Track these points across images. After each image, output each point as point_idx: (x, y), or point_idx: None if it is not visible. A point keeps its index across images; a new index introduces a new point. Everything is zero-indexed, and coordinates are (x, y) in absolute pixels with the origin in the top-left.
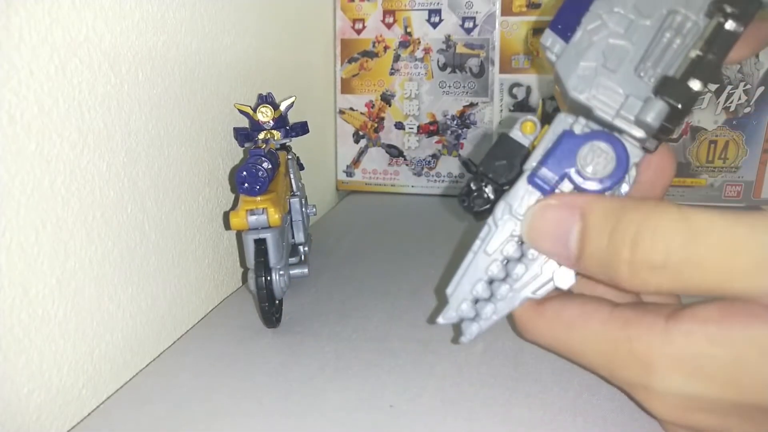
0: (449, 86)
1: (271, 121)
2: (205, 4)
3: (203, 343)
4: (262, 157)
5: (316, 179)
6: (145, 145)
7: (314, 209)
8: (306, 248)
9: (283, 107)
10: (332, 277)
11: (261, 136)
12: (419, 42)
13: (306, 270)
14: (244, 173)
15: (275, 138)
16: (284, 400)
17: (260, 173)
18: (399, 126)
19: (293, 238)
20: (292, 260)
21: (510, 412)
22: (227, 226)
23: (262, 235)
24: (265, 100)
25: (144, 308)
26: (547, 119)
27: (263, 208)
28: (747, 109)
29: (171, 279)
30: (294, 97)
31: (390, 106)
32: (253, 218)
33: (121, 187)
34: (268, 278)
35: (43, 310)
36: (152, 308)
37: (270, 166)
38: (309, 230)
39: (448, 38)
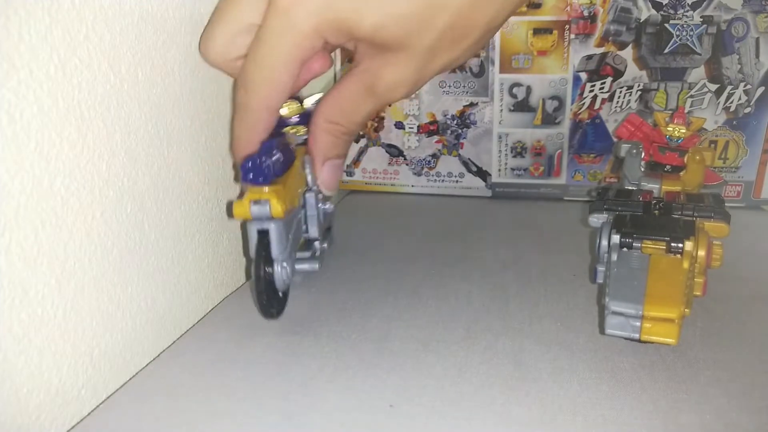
0: (449, 86)
1: (295, 117)
2: (205, 3)
3: (203, 343)
4: (272, 149)
5: None
6: (145, 144)
7: (331, 206)
8: (324, 245)
9: (308, 103)
10: (332, 277)
11: (286, 130)
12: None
13: (316, 266)
14: (249, 163)
15: (300, 133)
16: (284, 400)
17: (265, 164)
18: (399, 125)
19: (307, 232)
20: (305, 255)
21: (510, 412)
22: (230, 214)
23: (265, 226)
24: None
25: (144, 308)
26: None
27: (267, 199)
28: (747, 110)
29: (171, 279)
30: (321, 93)
31: (390, 105)
32: (255, 208)
33: (121, 186)
34: (268, 269)
35: (42, 310)
36: (152, 308)
37: (281, 158)
38: (331, 228)
39: None
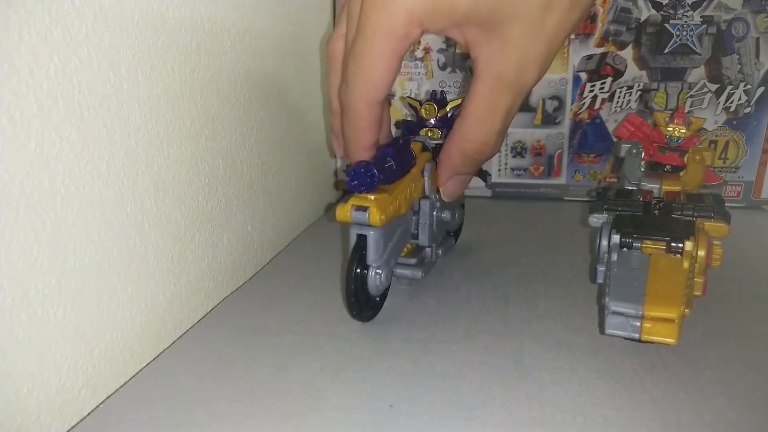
0: (449, 86)
1: (433, 120)
2: (205, 3)
3: (203, 343)
4: (386, 157)
5: (315, 178)
6: (145, 144)
7: (449, 214)
8: (439, 251)
9: (448, 108)
10: (332, 277)
11: (422, 132)
12: (419, 42)
13: (419, 274)
14: (354, 172)
15: (435, 137)
16: (284, 400)
17: (370, 172)
18: (399, 125)
19: (417, 239)
20: (411, 261)
21: (510, 412)
22: (333, 217)
23: (363, 232)
24: (434, 97)
25: (144, 308)
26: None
27: (368, 207)
28: (747, 110)
29: (170, 279)
30: (461, 100)
31: (390, 105)
32: (356, 214)
33: (121, 186)
34: (360, 271)
35: (42, 311)
36: (152, 308)
37: (393, 165)
38: (456, 235)
39: (448, 38)
